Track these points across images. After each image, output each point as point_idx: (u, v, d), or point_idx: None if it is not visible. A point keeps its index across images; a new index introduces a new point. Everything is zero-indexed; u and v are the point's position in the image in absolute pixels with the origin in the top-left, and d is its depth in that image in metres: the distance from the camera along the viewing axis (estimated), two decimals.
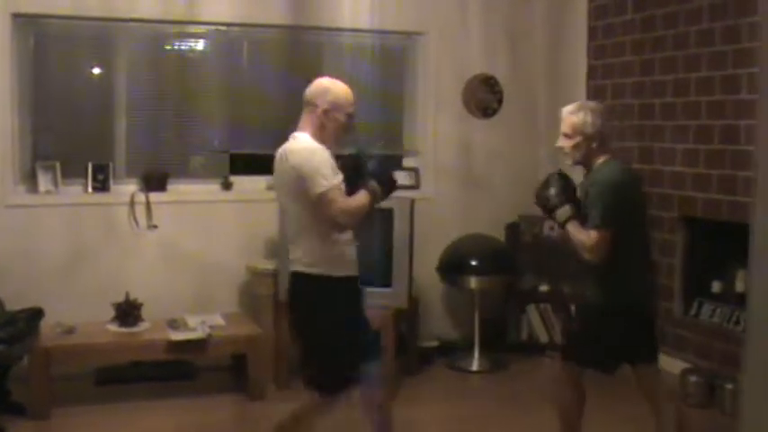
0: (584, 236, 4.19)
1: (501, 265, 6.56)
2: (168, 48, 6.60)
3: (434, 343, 6.73)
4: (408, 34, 6.94)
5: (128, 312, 5.79)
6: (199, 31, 6.56)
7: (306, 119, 4.13)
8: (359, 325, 4.15)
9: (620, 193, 4.25)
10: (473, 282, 6.43)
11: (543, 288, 6.92)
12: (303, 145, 4.03)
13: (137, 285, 5.97)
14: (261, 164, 6.71)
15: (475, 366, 6.51)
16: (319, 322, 4.06)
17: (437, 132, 6.93)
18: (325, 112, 4.07)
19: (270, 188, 6.26)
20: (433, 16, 6.87)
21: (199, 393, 5.80)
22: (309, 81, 4.19)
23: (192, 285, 6.22)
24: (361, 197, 4.07)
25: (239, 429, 5.46)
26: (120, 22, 6.26)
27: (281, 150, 4.12)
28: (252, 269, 6.22)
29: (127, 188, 6.31)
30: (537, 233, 6.91)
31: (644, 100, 6.60)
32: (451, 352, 6.69)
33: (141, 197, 6.25)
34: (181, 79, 6.52)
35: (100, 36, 6.35)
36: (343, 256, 4.08)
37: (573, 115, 4.38)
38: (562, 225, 4.33)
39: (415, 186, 6.86)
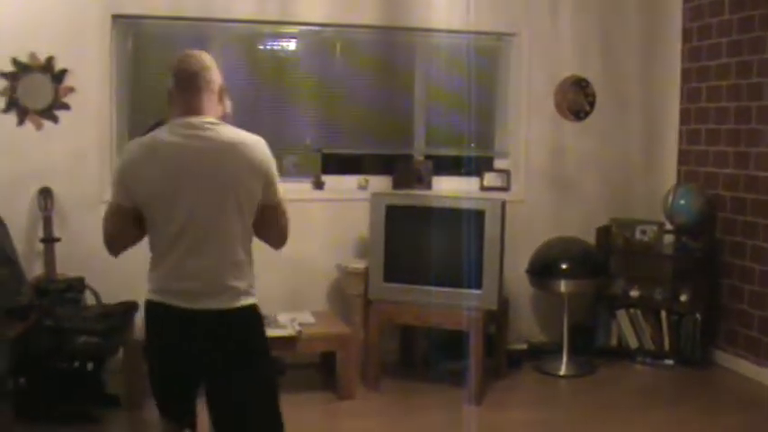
0: None
1: (591, 269, 6.48)
2: (262, 48, 6.67)
3: (523, 346, 6.71)
4: (500, 35, 6.90)
5: None
6: (292, 31, 6.61)
7: (204, 99, 3.26)
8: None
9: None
10: (563, 285, 6.36)
11: (634, 293, 6.82)
12: (254, 137, 3.29)
13: None
14: (353, 163, 6.77)
15: (563, 371, 6.44)
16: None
17: (529, 134, 6.88)
18: (223, 90, 3.34)
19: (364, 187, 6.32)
20: (525, 17, 6.83)
21: (287, 390, 5.81)
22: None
23: (282, 283, 6.27)
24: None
25: (326, 428, 5.47)
26: (215, 23, 6.36)
27: (221, 139, 3.20)
28: (342, 268, 6.26)
29: None
30: (628, 237, 6.82)
31: (740, 103, 6.47)
32: (540, 355, 6.64)
33: None
34: (274, 79, 6.60)
35: (195, 36, 6.43)
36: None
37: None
38: None
39: (506, 188, 6.86)
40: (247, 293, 3.28)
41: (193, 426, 3.45)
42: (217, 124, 3.23)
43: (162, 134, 3.20)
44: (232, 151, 3.19)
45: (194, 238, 3.18)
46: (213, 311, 3.20)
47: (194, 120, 3.21)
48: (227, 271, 3.22)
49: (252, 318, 3.31)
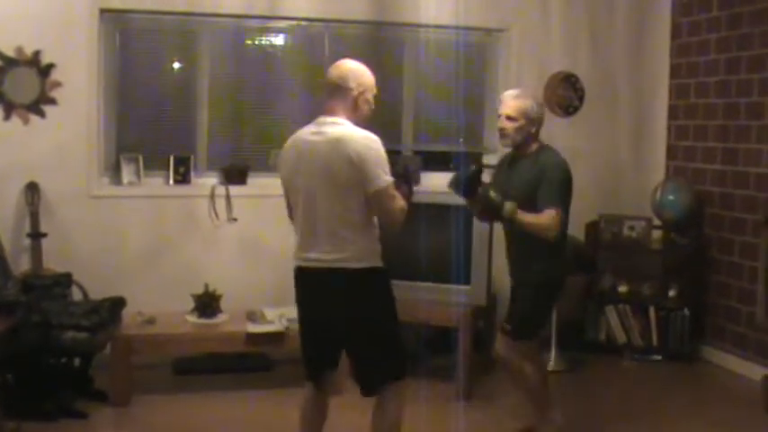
0: (543, 218, 4.42)
1: (580, 265, 6.47)
2: (250, 42, 6.65)
3: None
4: (490, 31, 6.90)
5: (207, 304, 5.84)
6: (280, 26, 6.61)
7: (337, 103, 3.95)
8: None
9: (568, 176, 4.58)
10: None
11: (622, 288, 6.83)
12: (362, 133, 3.87)
13: (216, 277, 6.02)
14: None
15: (551, 366, 6.43)
16: (382, 312, 4.11)
17: None
18: (361, 94, 3.95)
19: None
20: (515, 13, 6.82)
21: (275, 386, 5.83)
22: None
23: (270, 278, 6.25)
24: (402, 199, 3.98)
25: None
26: (202, 17, 6.34)
27: (329, 136, 3.85)
28: None
29: (207, 181, 6.39)
30: (617, 232, 6.83)
31: (729, 99, 6.48)
32: None
33: (221, 190, 6.32)
34: (262, 74, 6.58)
35: (183, 31, 6.43)
36: (379, 249, 4.03)
37: (518, 99, 4.62)
38: (510, 219, 4.47)
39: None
40: (346, 261, 3.91)
41: None
42: (338, 124, 3.88)
43: (303, 130, 3.99)
44: (335, 145, 3.80)
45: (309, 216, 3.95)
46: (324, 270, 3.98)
47: (324, 118, 3.93)
48: (329, 243, 3.92)
49: (352, 280, 3.95)
